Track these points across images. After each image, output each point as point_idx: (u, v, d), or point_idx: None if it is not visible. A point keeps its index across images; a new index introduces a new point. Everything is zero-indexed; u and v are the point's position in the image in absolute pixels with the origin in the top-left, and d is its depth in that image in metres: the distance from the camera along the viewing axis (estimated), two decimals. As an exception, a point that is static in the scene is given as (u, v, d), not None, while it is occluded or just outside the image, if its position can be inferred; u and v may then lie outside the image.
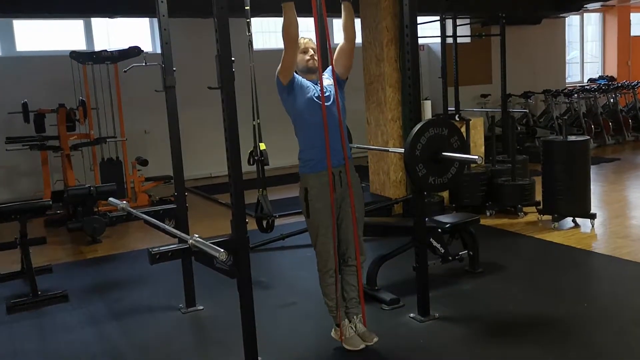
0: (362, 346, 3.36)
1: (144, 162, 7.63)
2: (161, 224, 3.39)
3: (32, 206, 4.63)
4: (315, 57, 3.38)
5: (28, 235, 4.46)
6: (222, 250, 2.52)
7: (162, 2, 3.62)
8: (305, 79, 3.35)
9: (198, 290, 4.05)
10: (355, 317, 3.44)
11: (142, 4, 7.18)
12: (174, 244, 3.13)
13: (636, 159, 9.59)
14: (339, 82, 3.39)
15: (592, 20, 13.66)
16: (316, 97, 3.29)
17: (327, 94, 3.29)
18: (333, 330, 3.48)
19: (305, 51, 3.35)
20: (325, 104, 3.25)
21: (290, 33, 3.16)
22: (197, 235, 2.77)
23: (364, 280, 4.02)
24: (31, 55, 8.58)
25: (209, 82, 3.87)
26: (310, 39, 3.40)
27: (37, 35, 8.80)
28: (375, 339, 3.39)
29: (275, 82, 3.33)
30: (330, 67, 3.41)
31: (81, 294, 4.47)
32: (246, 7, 4.28)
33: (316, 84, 3.36)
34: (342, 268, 3.46)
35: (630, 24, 13.51)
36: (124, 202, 3.87)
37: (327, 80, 3.36)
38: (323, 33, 3.67)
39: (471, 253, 4.42)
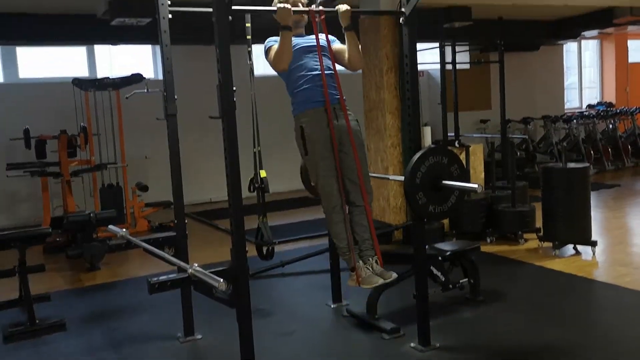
0: (380, 282, 3.25)
1: (144, 188, 7.64)
2: (161, 252, 3.38)
3: (32, 234, 4.61)
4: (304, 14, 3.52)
5: (27, 262, 4.44)
6: (222, 280, 2.51)
7: (164, 31, 3.65)
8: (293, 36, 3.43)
9: (197, 319, 4.02)
10: (370, 258, 3.36)
11: (145, 32, 7.31)
12: (173, 272, 3.12)
13: (636, 185, 9.59)
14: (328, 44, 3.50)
15: (590, 46, 13.78)
16: (305, 46, 3.43)
17: (314, 43, 3.43)
18: (349, 278, 3.39)
19: (294, 4, 3.47)
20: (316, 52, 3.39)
21: (282, 60, 3.29)
22: (196, 265, 2.76)
23: (364, 308, 4.01)
24: (34, 82, 8.63)
25: (210, 107, 3.89)
26: None
27: (40, 62, 8.87)
28: (395, 275, 3.29)
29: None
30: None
31: (79, 322, 4.43)
32: (248, 37, 4.32)
33: (303, 37, 3.50)
34: (350, 209, 3.41)
35: (627, 51, 13.62)
36: (124, 229, 3.86)
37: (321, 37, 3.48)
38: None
39: (472, 281, 4.40)
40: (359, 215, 3.43)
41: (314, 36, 3.46)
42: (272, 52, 3.42)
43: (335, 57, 3.56)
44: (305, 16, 3.58)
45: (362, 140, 3.60)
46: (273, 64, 3.43)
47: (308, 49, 3.48)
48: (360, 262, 3.35)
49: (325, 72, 3.40)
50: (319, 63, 3.43)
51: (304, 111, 3.42)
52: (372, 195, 3.53)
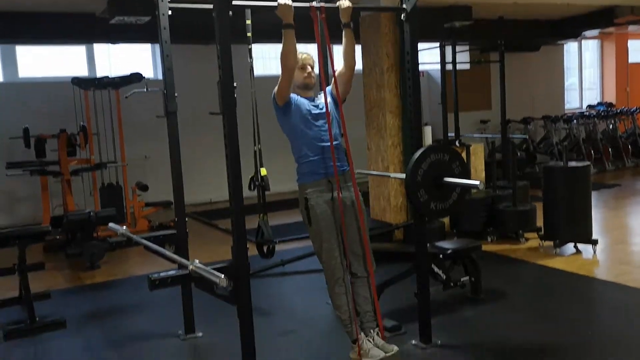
0: (382, 356, 3.25)
1: (144, 187, 7.62)
2: (161, 249, 3.37)
3: (32, 232, 4.61)
4: (313, 74, 3.42)
5: (27, 260, 4.43)
6: (223, 276, 2.50)
7: (164, 28, 3.64)
8: (301, 97, 3.38)
9: (197, 316, 4.01)
10: (372, 331, 3.35)
11: (144, 30, 7.29)
12: (173, 269, 3.11)
13: (636, 185, 9.58)
14: (336, 101, 3.41)
15: (590, 47, 13.78)
16: (312, 113, 3.33)
17: (323, 110, 3.32)
18: (351, 351, 3.39)
19: (303, 67, 3.38)
20: (324, 119, 3.28)
21: (288, 60, 3.21)
22: (197, 261, 2.75)
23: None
24: (33, 81, 8.62)
25: (210, 107, 3.89)
26: (309, 55, 3.43)
27: (40, 62, 8.86)
28: (396, 349, 3.28)
29: (271, 101, 3.36)
30: (330, 87, 3.44)
31: (79, 320, 4.42)
32: (248, 34, 4.31)
33: (312, 101, 3.40)
34: (352, 280, 3.40)
35: (627, 51, 13.62)
36: (124, 227, 3.85)
37: (329, 98, 3.39)
38: (326, 56, 3.71)
39: (473, 279, 4.39)
40: (362, 286, 3.40)
41: (322, 101, 3.35)
42: (277, 86, 3.32)
43: (337, 80, 3.47)
44: (314, 79, 3.45)
45: (365, 210, 3.55)
46: (282, 65, 3.30)
47: (316, 117, 3.36)
48: (362, 334, 3.34)
49: (334, 142, 3.30)
50: (327, 133, 3.31)
51: (309, 182, 3.36)
52: (375, 266, 3.48)
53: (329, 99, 3.37)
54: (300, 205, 3.38)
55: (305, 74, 3.39)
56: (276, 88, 3.31)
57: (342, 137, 3.41)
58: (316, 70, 3.52)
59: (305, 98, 3.42)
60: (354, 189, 3.38)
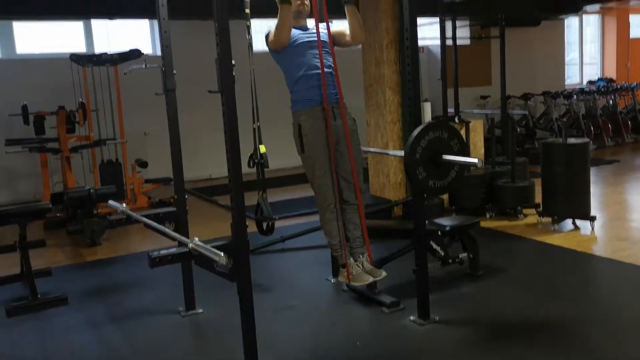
0: (370, 280, 3.32)
1: (143, 164, 7.63)
2: (161, 227, 3.39)
3: (32, 209, 4.63)
4: (306, 2, 3.46)
5: (27, 238, 4.46)
6: (223, 254, 2.52)
7: (162, 5, 3.62)
8: (293, 27, 3.41)
9: (198, 293, 4.04)
10: (361, 256, 3.41)
11: (142, 6, 7.22)
12: (174, 247, 3.12)
13: (635, 161, 9.59)
14: (329, 37, 3.47)
15: (591, 21, 13.67)
16: (305, 41, 3.37)
17: (315, 39, 3.40)
18: (339, 274, 3.45)
19: None
20: (317, 48, 3.37)
21: (282, 34, 3.26)
22: (197, 239, 2.77)
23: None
24: (31, 57, 8.57)
25: (209, 83, 3.85)
26: None
27: (37, 38, 8.80)
28: (384, 274, 3.36)
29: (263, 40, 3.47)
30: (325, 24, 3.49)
31: (81, 297, 4.46)
32: (246, 10, 4.28)
33: (305, 30, 3.44)
34: (343, 207, 3.46)
35: (629, 26, 13.52)
36: (124, 204, 3.86)
37: (322, 30, 3.45)
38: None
39: (471, 256, 4.42)
40: (352, 213, 3.46)
41: (314, 30, 3.40)
42: (271, 34, 3.38)
43: (335, 39, 3.52)
44: (308, 7, 3.51)
45: (358, 141, 3.60)
46: (272, 40, 3.39)
47: (309, 45, 3.42)
48: (351, 259, 3.39)
49: (326, 70, 3.36)
50: (319, 61, 3.38)
51: (302, 109, 3.40)
52: (366, 195, 3.58)
53: (322, 31, 3.42)
54: (293, 131, 3.44)
55: (299, 2, 3.44)
56: (271, 38, 3.39)
57: (334, 70, 3.46)
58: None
59: (298, 27, 3.48)
60: (343, 120, 3.41)
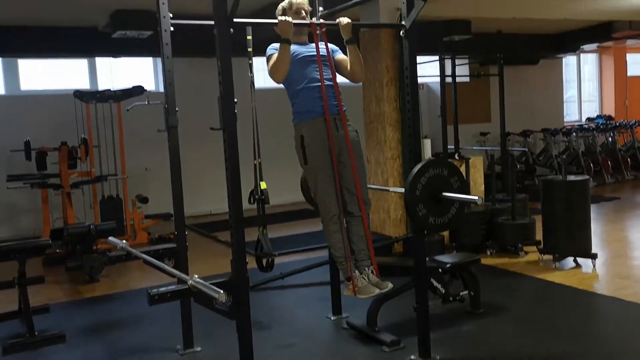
0: (377, 292, 3.27)
1: (144, 200, 7.64)
2: (161, 264, 3.38)
3: (32, 245, 4.61)
4: (307, 19, 3.54)
5: (26, 274, 4.43)
6: (222, 291, 2.51)
7: (166, 44, 3.67)
8: (294, 43, 3.47)
9: (196, 330, 4.00)
10: (366, 268, 3.37)
11: (146, 45, 7.35)
12: (173, 283, 3.11)
13: (636, 198, 9.60)
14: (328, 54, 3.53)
15: (589, 60, 13.84)
16: (306, 55, 3.44)
17: (316, 53, 3.45)
18: (345, 288, 3.41)
19: (297, 12, 3.55)
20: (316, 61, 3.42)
21: (278, 71, 3.35)
22: (196, 276, 2.76)
23: (364, 320, 4.00)
24: (35, 94, 8.66)
25: (211, 119, 3.91)
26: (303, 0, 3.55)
27: (42, 75, 8.90)
28: (390, 285, 3.31)
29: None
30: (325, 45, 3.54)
31: (78, 334, 4.41)
32: (249, 50, 4.35)
33: (306, 45, 3.52)
34: (348, 220, 3.44)
35: (626, 64, 13.68)
36: (124, 241, 3.86)
37: (322, 46, 3.50)
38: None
39: (472, 293, 4.39)
40: (356, 225, 3.46)
41: (314, 45, 3.49)
42: (271, 62, 3.46)
43: (337, 67, 3.60)
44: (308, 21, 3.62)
45: (361, 151, 3.64)
46: (270, 73, 3.48)
47: (310, 58, 3.51)
48: (357, 271, 3.38)
49: (326, 82, 3.43)
50: (319, 73, 3.45)
51: (304, 121, 3.46)
52: (370, 206, 3.57)
53: (321, 47, 3.47)
54: (295, 143, 3.46)
55: (300, 19, 3.50)
56: (269, 68, 3.46)
57: (334, 82, 3.51)
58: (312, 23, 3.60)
59: (299, 43, 3.55)
60: (344, 130, 3.42)
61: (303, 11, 3.57)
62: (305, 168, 3.44)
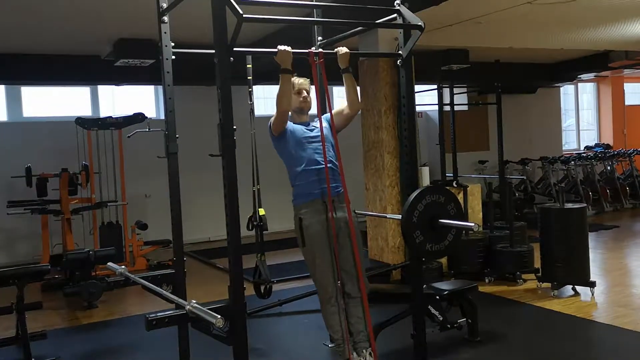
0: None
1: (143, 226, 7.66)
2: (159, 289, 3.39)
3: (31, 271, 4.62)
4: (308, 99, 3.55)
5: (24, 299, 4.43)
6: (219, 317, 2.52)
7: (167, 72, 3.73)
8: (295, 124, 3.51)
9: (193, 356, 3.98)
10: (364, 350, 3.35)
11: (148, 72, 7.45)
12: (171, 309, 3.12)
13: (635, 227, 9.60)
14: (331, 127, 3.53)
15: (587, 89, 13.98)
16: (307, 137, 3.43)
17: (318, 134, 3.45)
18: None
19: (299, 92, 3.55)
20: (318, 142, 3.40)
21: (282, 102, 3.35)
22: (194, 301, 2.77)
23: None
24: (37, 120, 8.73)
25: (211, 146, 3.95)
26: (305, 80, 3.58)
27: (44, 102, 8.99)
28: None
29: (267, 131, 3.48)
30: (328, 114, 3.54)
31: (75, 360, 4.40)
32: (248, 77, 4.42)
33: (307, 125, 3.51)
34: (346, 301, 3.43)
35: (624, 94, 13.81)
36: (123, 266, 3.87)
37: (324, 123, 3.51)
38: (324, 99, 3.81)
39: (470, 321, 4.38)
40: (355, 306, 3.45)
41: (317, 125, 3.50)
42: (273, 116, 3.47)
43: (336, 122, 3.60)
44: (310, 104, 3.61)
45: (359, 231, 3.63)
46: (273, 119, 3.46)
47: (311, 139, 3.50)
48: (355, 354, 3.36)
49: (328, 165, 3.41)
50: (322, 155, 3.42)
51: (303, 203, 3.45)
52: (369, 287, 3.54)
53: (324, 124, 3.49)
54: (294, 225, 3.44)
55: (301, 99, 3.55)
56: (272, 120, 3.44)
57: (337, 160, 3.50)
58: (312, 95, 3.63)
59: (300, 123, 3.56)
60: (347, 210, 3.44)
61: (304, 91, 3.57)
62: (302, 250, 3.45)
